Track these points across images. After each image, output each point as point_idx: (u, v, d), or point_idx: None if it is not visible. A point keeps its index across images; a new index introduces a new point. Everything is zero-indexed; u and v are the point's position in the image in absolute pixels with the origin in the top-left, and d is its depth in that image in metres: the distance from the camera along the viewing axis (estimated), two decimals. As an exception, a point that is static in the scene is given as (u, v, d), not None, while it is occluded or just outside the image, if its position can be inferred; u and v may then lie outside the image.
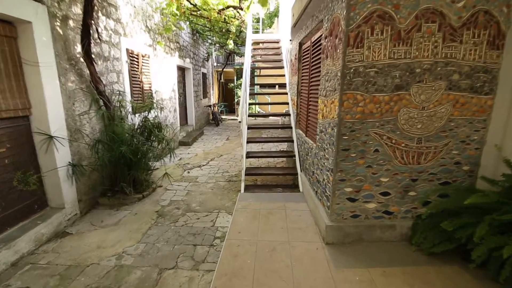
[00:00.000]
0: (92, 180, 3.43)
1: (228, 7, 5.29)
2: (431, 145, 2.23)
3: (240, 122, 3.40)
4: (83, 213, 3.26)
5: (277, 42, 6.94)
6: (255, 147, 6.38)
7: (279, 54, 6.54)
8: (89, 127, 3.37)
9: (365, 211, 2.36)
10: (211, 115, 11.55)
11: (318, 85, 2.88)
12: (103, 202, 3.53)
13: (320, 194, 2.72)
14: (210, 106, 11.54)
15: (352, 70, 2.07)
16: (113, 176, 3.65)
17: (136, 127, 3.91)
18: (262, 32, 8.81)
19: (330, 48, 2.39)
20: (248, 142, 4.24)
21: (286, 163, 5.00)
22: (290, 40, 4.84)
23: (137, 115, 4.30)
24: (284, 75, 5.74)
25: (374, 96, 2.12)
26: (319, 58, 2.91)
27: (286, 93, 5.20)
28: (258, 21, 8.75)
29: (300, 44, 3.98)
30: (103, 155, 3.28)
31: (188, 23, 7.89)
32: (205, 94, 11.09)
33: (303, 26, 3.58)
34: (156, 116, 4.40)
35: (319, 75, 2.92)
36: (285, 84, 5.47)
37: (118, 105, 3.83)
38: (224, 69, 13.01)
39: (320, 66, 2.84)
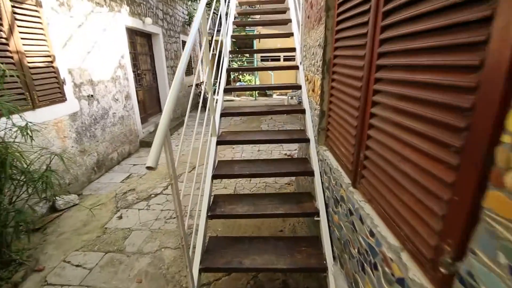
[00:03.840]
0: None
1: None
2: None
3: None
4: None
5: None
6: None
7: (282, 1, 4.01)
8: None
9: None
10: (199, 96, 9.18)
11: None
12: None
13: None
14: (198, 85, 9.12)
15: None
16: None
17: None
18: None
19: None
20: (217, 176, 1.98)
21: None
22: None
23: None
24: (291, 35, 3.30)
25: None
26: None
27: (296, 67, 2.81)
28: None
29: None
30: None
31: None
32: (190, 70, 8.64)
33: None
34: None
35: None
36: (293, 51, 3.07)
37: None
38: (216, 37, 10.31)
39: None
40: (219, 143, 2.14)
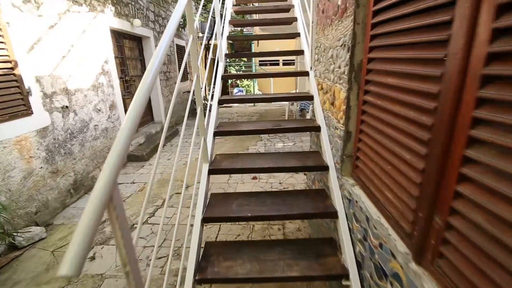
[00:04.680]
0: None
1: None
2: None
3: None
4: None
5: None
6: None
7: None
8: None
9: None
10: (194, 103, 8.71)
11: None
12: None
13: None
14: (188, 92, 8.67)
15: None
16: None
17: None
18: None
19: None
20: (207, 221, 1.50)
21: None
22: None
23: None
24: (297, 35, 2.85)
25: None
26: None
27: (304, 73, 2.35)
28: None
29: None
30: None
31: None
32: (185, 75, 8.18)
33: None
34: None
35: None
36: (298, 54, 2.62)
37: None
38: (212, 41, 9.85)
39: None
40: (211, 171, 1.66)
